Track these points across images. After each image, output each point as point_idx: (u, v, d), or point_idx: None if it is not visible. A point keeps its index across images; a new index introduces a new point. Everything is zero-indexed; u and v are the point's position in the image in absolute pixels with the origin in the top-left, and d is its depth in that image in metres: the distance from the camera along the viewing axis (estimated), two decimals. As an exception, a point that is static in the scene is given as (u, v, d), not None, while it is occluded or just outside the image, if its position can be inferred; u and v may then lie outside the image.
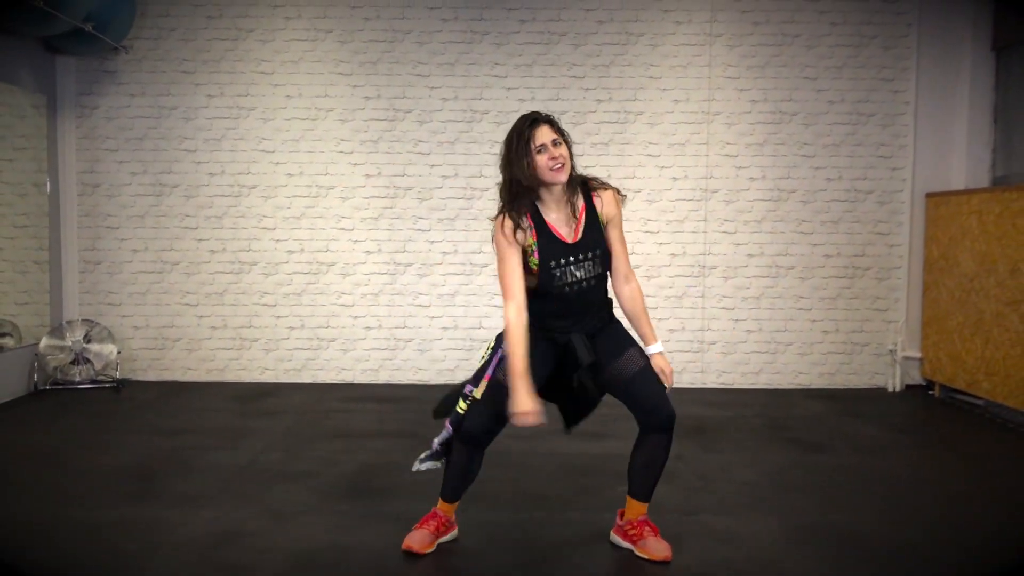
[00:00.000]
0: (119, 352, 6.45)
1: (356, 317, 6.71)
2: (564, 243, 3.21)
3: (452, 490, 3.43)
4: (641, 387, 3.23)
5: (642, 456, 3.29)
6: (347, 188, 6.67)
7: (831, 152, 6.69)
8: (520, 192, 3.19)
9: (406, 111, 6.66)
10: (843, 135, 6.68)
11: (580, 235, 3.23)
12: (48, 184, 6.49)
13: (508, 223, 3.19)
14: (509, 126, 6.48)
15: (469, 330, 6.71)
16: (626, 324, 3.41)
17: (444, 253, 6.66)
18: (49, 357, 6.19)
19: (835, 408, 6.05)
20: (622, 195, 3.37)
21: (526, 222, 3.19)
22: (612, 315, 3.39)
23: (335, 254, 6.69)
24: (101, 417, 5.53)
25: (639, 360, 3.27)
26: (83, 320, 6.43)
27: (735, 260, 6.71)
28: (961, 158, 6.53)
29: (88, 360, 6.28)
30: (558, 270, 3.19)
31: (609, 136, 6.68)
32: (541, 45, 6.63)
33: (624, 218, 6.41)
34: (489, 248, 6.64)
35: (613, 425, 5.13)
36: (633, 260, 6.61)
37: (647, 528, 3.36)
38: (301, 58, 6.65)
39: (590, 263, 3.24)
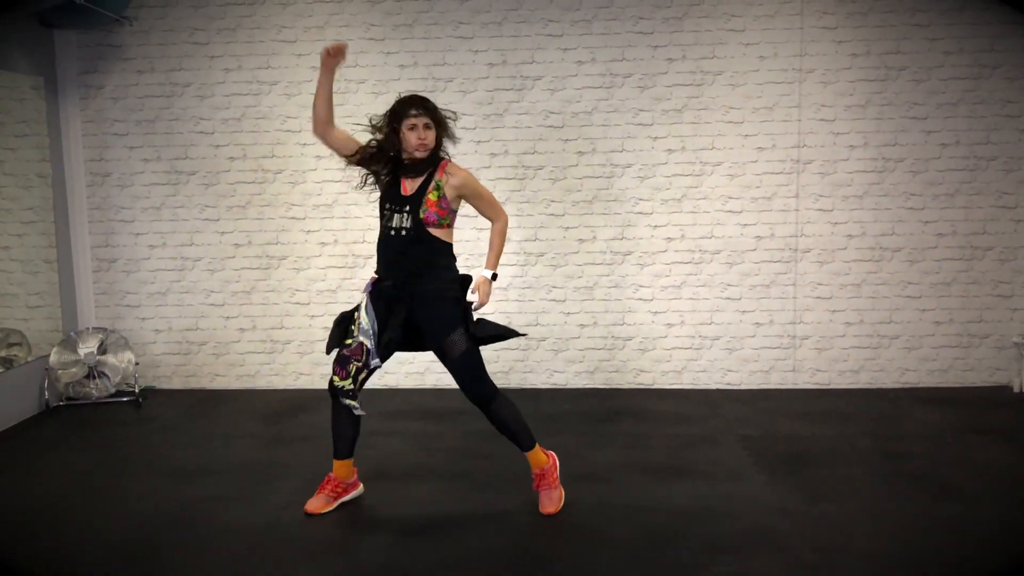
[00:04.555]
0: (136, 363, 5.82)
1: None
2: (399, 193, 3.79)
3: (339, 446, 3.92)
4: (457, 373, 3.79)
5: (497, 425, 3.86)
6: (383, 170, 5.87)
7: (946, 112, 5.67)
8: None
9: (447, 80, 5.80)
10: (961, 92, 5.65)
11: (411, 192, 3.78)
12: (52, 173, 5.81)
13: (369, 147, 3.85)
14: (566, 93, 5.62)
15: (524, 327, 5.93)
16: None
17: (495, 241, 5.85)
18: (60, 372, 5.59)
19: (954, 419, 5.16)
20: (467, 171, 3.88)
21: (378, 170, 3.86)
22: (440, 289, 3.76)
23: (372, 246, 5.86)
24: (112, 447, 4.90)
25: (458, 348, 3.73)
26: (95, 328, 5.80)
27: (832, 242, 5.79)
28: (1109, 117, 5.49)
29: (104, 374, 5.67)
30: (387, 212, 3.80)
31: (683, 101, 5.74)
32: (602, -3, 5.71)
33: (702, 196, 5.51)
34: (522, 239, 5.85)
35: (685, 453, 4.37)
36: (712, 244, 5.80)
37: (544, 481, 3.89)
38: (327, 23, 5.81)
39: (407, 216, 3.74)
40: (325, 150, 5.84)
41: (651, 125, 5.76)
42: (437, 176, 3.77)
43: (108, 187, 6.00)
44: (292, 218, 5.95)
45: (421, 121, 3.71)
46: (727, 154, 5.76)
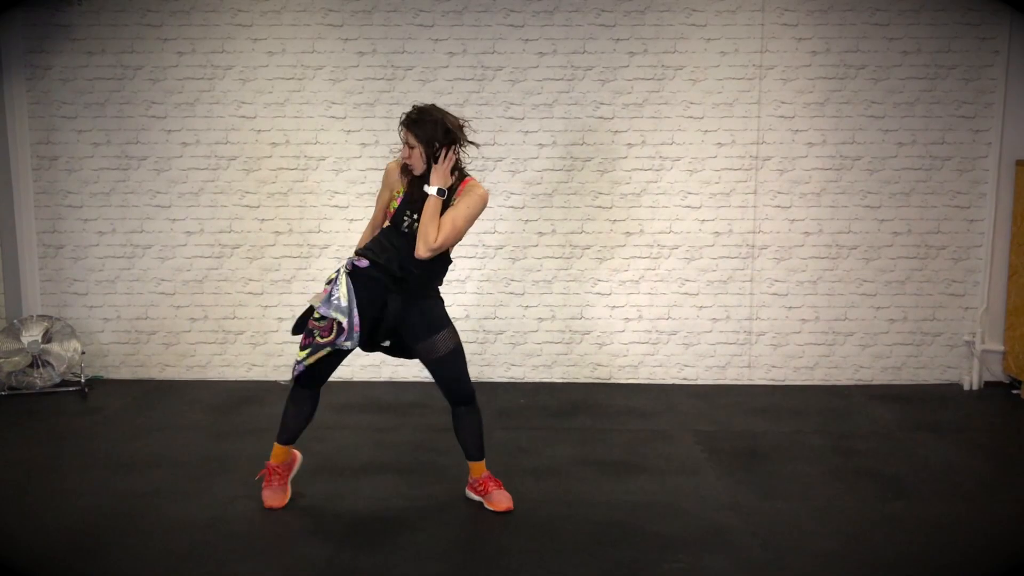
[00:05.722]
0: (83, 352, 5.67)
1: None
2: (422, 204, 3.57)
3: (288, 432, 3.83)
4: (443, 372, 3.70)
5: (461, 427, 3.81)
6: (340, 159, 5.78)
7: (904, 112, 5.70)
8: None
9: (407, 68, 5.72)
10: (918, 91, 5.69)
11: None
12: (-4, 158, 5.65)
13: (393, 165, 3.74)
14: (527, 84, 5.57)
15: (481, 320, 5.88)
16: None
17: (453, 233, 5.78)
18: (3, 361, 5.43)
19: (906, 417, 5.20)
20: (481, 193, 3.66)
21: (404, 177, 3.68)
22: (434, 292, 3.73)
23: (329, 235, 5.84)
24: (55, 440, 4.76)
25: (443, 347, 3.66)
26: (40, 316, 5.64)
27: (789, 239, 5.80)
28: (1061, 119, 5.56)
29: (48, 363, 5.52)
30: (407, 217, 3.62)
31: (644, 95, 5.72)
32: (564, -12, 5.65)
33: (661, 191, 5.51)
34: (501, 228, 5.81)
35: (640, 448, 4.36)
36: (670, 239, 5.78)
37: (491, 483, 3.84)
38: (284, 7, 5.69)
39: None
40: (280, 137, 5.79)
41: (612, 119, 5.73)
42: (456, 195, 3.63)
43: (55, 171, 5.83)
44: (246, 206, 5.84)
45: (402, 139, 3.60)
46: (687, 149, 5.75)
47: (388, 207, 3.74)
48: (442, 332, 3.69)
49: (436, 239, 3.50)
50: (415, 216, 3.60)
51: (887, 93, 5.69)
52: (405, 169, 3.67)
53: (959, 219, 5.79)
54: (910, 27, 5.64)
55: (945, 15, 5.63)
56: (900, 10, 5.64)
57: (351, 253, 5.60)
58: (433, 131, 3.54)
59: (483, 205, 3.65)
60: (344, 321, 3.55)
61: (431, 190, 3.54)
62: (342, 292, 3.57)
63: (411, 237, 3.59)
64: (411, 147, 3.57)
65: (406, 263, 3.60)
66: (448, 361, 3.69)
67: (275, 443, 3.87)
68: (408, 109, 3.66)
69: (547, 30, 5.67)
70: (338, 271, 3.66)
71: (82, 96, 5.76)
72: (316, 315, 3.62)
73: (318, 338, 3.60)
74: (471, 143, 3.67)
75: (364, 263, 3.63)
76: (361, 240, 3.90)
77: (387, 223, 3.71)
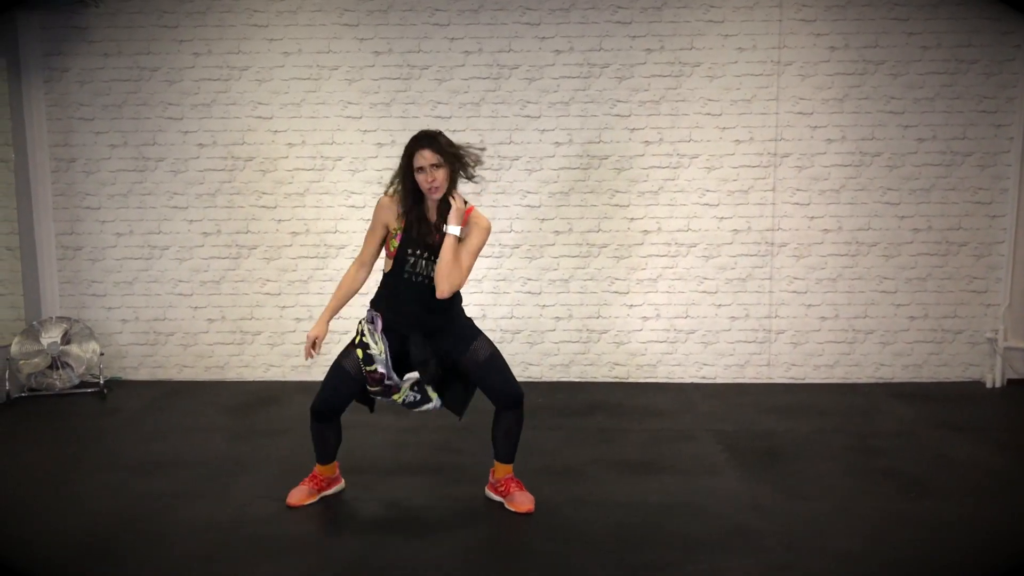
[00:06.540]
0: (102, 353, 5.69)
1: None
2: (428, 241, 3.57)
3: (322, 455, 3.88)
4: (487, 376, 3.69)
5: (501, 429, 3.79)
6: (356, 159, 5.78)
7: (923, 107, 5.65)
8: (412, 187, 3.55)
9: (423, 67, 5.71)
10: (938, 87, 5.64)
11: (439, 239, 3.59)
12: (15, 158, 5.66)
13: (386, 201, 3.62)
14: (543, 82, 5.54)
15: (498, 319, 5.86)
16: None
17: (469, 232, 5.77)
18: (22, 362, 5.44)
19: (928, 415, 5.15)
20: (486, 226, 3.64)
21: (401, 212, 3.59)
22: (459, 316, 3.75)
23: (345, 235, 5.83)
24: (74, 440, 4.77)
25: (483, 352, 3.68)
26: (59, 318, 5.66)
27: (808, 236, 5.76)
28: (1084, 113, 5.49)
29: (67, 364, 5.53)
30: (411, 258, 3.58)
31: (661, 92, 5.69)
32: (580, -15, 5.63)
33: (679, 188, 5.48)
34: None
35: (659, 448, 4.32)
36: (688, 237, 5.74)
37: (513, 484, 3.84)
38: (299, 7, 5.69)
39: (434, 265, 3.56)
40: (297, 137, 5.78)
41: (628, 116, 5.70)
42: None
43: (73, 173, 5.85)
44: (263, 207, 5.84)
45: (427, 161, 3.47)
46: (704, 146, 5.71)
47: (387, 246, 3.66)
48: (478, 338, 3.71)
49: (460, 279, 3.52)
50: (420, 253, 3.55)
51: (906, 88, 5.64)
52: (412, 199, 3.55)
53: (980, 215, 5.73)
54: (929, 22, 5.59)
55: (965, 9, 5.57)
56: (919, 5, 5.58)
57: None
58: (458, 149, 3.55)
59: (488, 236, 3.65)
60: (382, 368, 3.57)
61: (453, 230, 3.49)
62: (375, 344, 3.56)
63: (420, 279, 3.57)
64: (438, 167, 3.47)
65: (425, 308, 3.60)
66: (493, 364, 3.68)
67: (317, 464, 3.91)
68: (416, 131, 3.60)
69: (563, 28, 5.65)
70: (360, 331, 3.60)
71: (99, 98, 5.78)
72: (370, 368, 3.58)
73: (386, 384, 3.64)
74: (473, 176, 3.64)
75: (380, 323, 3.61)
76: (344, 280, 3.75)
77: (389, 264, 3.63)
